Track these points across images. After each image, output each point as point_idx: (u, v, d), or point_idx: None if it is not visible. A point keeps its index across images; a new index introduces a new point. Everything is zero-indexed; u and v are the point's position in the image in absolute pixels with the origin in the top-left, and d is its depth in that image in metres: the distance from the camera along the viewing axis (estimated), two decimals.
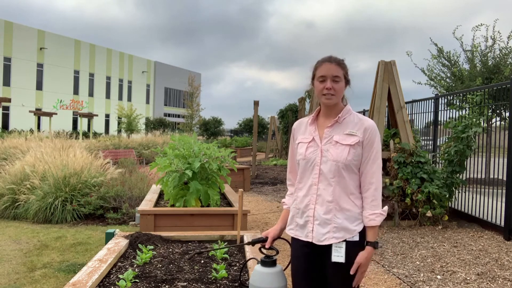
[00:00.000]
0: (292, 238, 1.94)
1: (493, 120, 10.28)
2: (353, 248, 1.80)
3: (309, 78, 1.93)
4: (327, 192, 1.82)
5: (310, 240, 1.84)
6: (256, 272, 1.83)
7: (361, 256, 1.78)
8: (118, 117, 31.74)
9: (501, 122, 9.77)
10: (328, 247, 1.81)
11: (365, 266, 1.79)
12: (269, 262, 1.83)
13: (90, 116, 26.70)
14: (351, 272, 1.77)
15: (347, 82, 1.89)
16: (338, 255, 1.79)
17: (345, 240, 1.80)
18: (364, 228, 1.84)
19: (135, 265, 2.36)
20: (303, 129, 1.97)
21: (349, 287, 1.81)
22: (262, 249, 1.96)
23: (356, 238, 1.81)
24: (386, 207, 1.89)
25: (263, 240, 1.96)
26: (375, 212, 1.80)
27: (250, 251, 2.55)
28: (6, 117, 35.20)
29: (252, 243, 1.99)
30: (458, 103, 7.17)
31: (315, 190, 1.84)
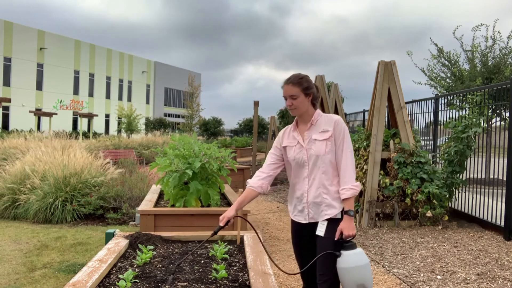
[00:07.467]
0: (294, 220, 2.41)
1: (493, 120, 10.27)
2: (334, 223, 2.24)
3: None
4: (316, 180, 2.28)
5: (307, 222, 2.32)
6: (345, 256, 2.15)
7: (342, 224, 2.21)
8: (118, 117, 31.77)
9: (501, 122, 9.77)
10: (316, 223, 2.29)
11: (347, 230, 2.18)
12: (351, 245, 2.16)
13: (90, 116, 26.72)
14: (336, 238, 2.20)
15: (308, 94, 2.30)
16: (321, 230, 2.25)
17: (330, 218, 2.24)
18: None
19: (135, 265, 2.36)
20: (287, 135, 2.43)
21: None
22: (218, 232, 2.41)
23: (339, 216, 2.25)
24: (358, 183, 2.25)
25: (223, 227, 2.37)
26: (345, 187, 2.23)
27: (250, 251, 2.55)
28: (6, 117, 35.20)
29: (216, 232, 2.38)
30: (458, 103, 7.17)
31: (307, 181, 2.31)
